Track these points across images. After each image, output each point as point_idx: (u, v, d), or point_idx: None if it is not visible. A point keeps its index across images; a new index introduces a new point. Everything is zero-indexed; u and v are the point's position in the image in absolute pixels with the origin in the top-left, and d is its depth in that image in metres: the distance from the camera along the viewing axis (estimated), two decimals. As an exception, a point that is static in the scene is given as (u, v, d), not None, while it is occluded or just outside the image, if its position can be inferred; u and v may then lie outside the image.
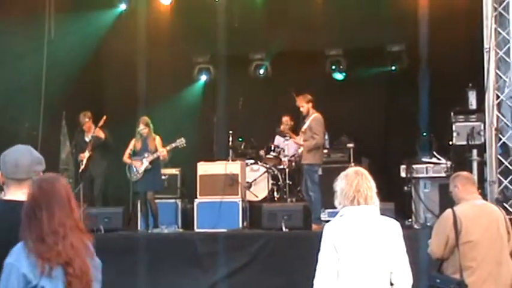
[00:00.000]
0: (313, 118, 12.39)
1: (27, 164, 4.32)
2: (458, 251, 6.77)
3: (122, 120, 14.06)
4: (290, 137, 13.84)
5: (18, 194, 4.29)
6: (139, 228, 13.31)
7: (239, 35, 15.45)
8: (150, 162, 12.85)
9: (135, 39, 15.37)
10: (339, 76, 16.30)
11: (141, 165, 12.86)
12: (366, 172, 5.35)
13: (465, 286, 6.69)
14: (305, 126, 12.46)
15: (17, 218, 4.06)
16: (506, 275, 6.83)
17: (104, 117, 13.69)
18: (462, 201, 7.10)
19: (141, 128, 12.89)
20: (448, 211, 6.97)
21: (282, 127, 14.45)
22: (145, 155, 12.86)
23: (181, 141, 12.96)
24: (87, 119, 13.87)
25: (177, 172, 14.63)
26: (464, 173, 7.74)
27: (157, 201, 13.04)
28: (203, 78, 16.90)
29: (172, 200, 14.05)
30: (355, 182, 5.23)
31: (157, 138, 12.98)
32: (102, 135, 13.71)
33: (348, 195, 5.22)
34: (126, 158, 13.03)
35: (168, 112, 14.98)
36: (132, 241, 11.73)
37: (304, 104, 12.48)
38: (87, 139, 13.85)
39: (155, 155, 12.82)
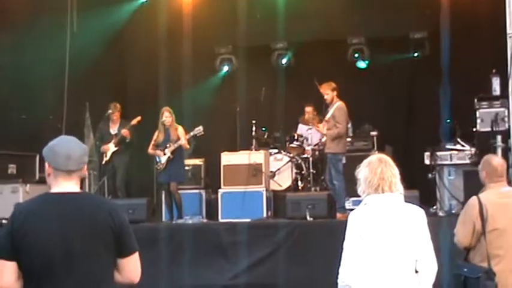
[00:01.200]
0: (337, 107, 12.37)
1: (78, 155, 4.29)
2: (485, 239, 6.67)
3: (145, 111, 14.09)
4: (313, 126, 13.83)
5: (69, 185, 4.28)
6: (163, 219, 13.37)
7: (261, 25, 15.47)
8: (172, 152, 12.87)
9: (156, 31, 15.44)
10: (361, 64, 16.25)
11: (163, 156, 12.90)
12: (389, 159, 5.32)
13: (493, 274, 6.60)
14: (328, 115, 12.44)
15: (74, 209, 4.17)
16: None
17: (139, 118, 13.67)
18: (488, 187, 7.02)
19: (164, 118, 12.92)
20: (473, 199, 6.87)
21: (306, 116, 14.43)
22: (167, 145, 12.90)
23: (199, 130, 12.99)
24: (116, 111, 13.87)
25: (201, 162, 14.67)
26: (492, 158, 7.65)
27: (181, 191, 13.08)
28: (225, 68, 16.90)
29: (197, 191, 14.10)
30: (379, 169, 5.21)
31: (180, 128, 13.01)
32: (128, 135, 13.66)
33: (373, 183, 5.20)
34: (150, 149, 13.08)
35: (191, 103, 15.01)
36: (156, 232, 11.77)
37: (329, 92, 12.45)
38: (112, 131, 13.86)
39: (176, 145, 12.85)
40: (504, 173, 7.02)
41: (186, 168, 13.74)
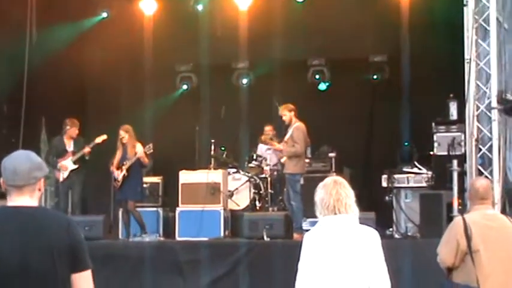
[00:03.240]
0: (296, 127, 12.44)
1: (26, 171, 4.24)
2: (472, 259, 6.67)
3: (103, 127, 14.00)
4: (271, 146, 13.86)
5: (22, 200, 4.24)
6: (120, 237, 13.29)
7: (222, 44, 15.48)
8: (128, 170, 12.82)
9: (117, 47, 15.37)
10: (322, 86, 16.34)
11: (119, 173, 12.85)
12: (344, 181, 5.36)
13: None
14: (287, 136, 12.51)
15: (30, 223, 4.15)
16: None
17: (104, 137, 13.43)
18: (472, 209, 7.02)
19: (121, 135, 12.90)
20: (459, 218, 6.88)
21: (263, 136, 14.49)
22: (124, 162, 12.86)
23: (149, 147, 12.96)
24: (74, 127, 13.66)
25: (159, 180, 14.63)
26: (476, 180, 7.70)
27: (138, 209, 13.02)
28: (185, 87, 16.88)
29: (154, 209, 14.04)
30: (334, 191, 5.24)
31: (138, 145, 12.96)
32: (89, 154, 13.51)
33: (328, 205, 5.23)
34: (111, 166, 13.02)
35: (150, 120, 14.95)
36: (113, 249, 11.71)
37: (286, 113, 12.53)
38: (68, 148, 13.67)
39: (130, 162, 12.80)
40: (488, 195, 6.96)
41: (144, 185, 13.68)
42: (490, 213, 6.98)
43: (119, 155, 12.96)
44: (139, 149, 12.90)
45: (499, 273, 6.69)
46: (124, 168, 12.82)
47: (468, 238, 6.69)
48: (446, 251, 6.85)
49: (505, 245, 6.78)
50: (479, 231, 6.73)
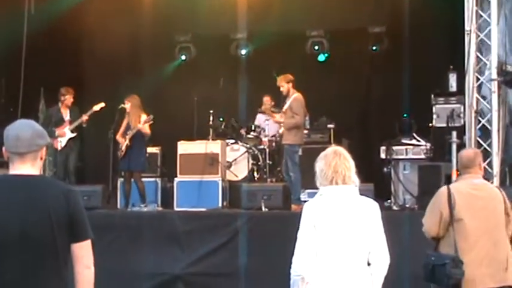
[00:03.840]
0: (294, 98, 12.40)
1: (28, 138, 4.27)
2: (453, 229, 6.69)
3: (102, 97, 13.96)
4: (270, 117, 13.84)
5: (24, 168, 4.27)
6: (118, 206, 13.32)
7: (220, 15, 15.41)
8: (130, 140, 12.85)
9: (116, 17, 15.29)
10: (321, 57, 16.31)
11: (123, 143, 12.88)
12: (344, 152, 5.36)
13: (460, 262, 6.59)
14: (286, 107, 12.47)
15: (31, 191, 4.17)
16: (503, 257, 6.68)
17: (102, 105, 13.39)
18: (460, 178, 7.01)
19: (125, 105, 12.93)
20: (443, 187, 6.86)
21: (264, 107, 14.45)
22: (128, 132, 12.89)
23: (149, 118, 12.93)
24: (70, 96, 13.65)
25: (157, 151, 14.62)
26: (464, 150, 7.70)
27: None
28: (184, 57, 16.83)
29: (152, 179, 14.03)
30: (334, 162, 5.24)
31: (143, 116, 12.96)
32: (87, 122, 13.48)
33: (327, 176, 5.23)
34: (117, 135, 13.06)
35: (149, 90, 14.89)
36: (111, 219, 11.72)
37: (284, 84, 12.48)
38: (65, 116, 13.64)
39: (132, 132, 12.82)
40: (473, 164, 6.91)
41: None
42: (477, 183, 6.91)
43: (124, 124, 13.00)
44: (142, 119, 12.91)
45: (485, 243, 6.67)
46: (127, 138, 12.85)
47: (451, 207, 6.68)
48: (430, 221, 6.85)
49: (491, 215, 6.74)
50: (463, 201, 6.70)
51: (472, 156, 7.05)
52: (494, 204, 6.78)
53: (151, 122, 12.93)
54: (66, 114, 13.61)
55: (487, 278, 6.65)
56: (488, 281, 6.66)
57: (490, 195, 6.85)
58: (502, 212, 6.78)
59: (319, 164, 5.31)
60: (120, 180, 13.68)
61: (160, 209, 13.30)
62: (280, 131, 13.14)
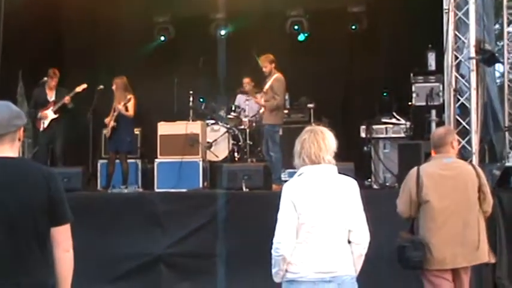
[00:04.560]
0: (275, 78, 12.41)
1: (6, 118, 4.25)
2: (422, 210, 6.74)
3: (81, 79, 13.89)
4: (252, 98, 13.84)
5: (1, 150, 4.24)
6: (98, 188, 13.31)
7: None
8: (115, 121, 12.86)
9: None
10: (301, 37, 16.29)
11: (109, 123, 12.92)
12: (326, 130, 5.36)
13: (420, 244, 6.65)
14: (266, 87, 12.48)
15: (10, 174, 4.17)
16: (474, 236, 6.72)
17: (84, 86, 13.36)
18: (432, 158, 7.03)
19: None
20: (414, 168, 6.89)
21: (246, 88, 14.44)
22: (113, 114, 12.93)
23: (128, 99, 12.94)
24: (55, 77, 13.56)
25: (137, 132, 14.60)
26: (440, 128, 7.70)
27: (117, 161, 13.05)
28: (163, 38, 16.76)
29: (133, 160, 14.01)
30: (315, 140, 5.24)
31: (131, 98, 12.96)
32: (70, 102, 13.40)
33: (307, 154, 5.23)
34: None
35: (128, 72, 14.82)
36: (92, 201, 11.70)
37: (267, 64, 12.50)
38: (49, 98, 13.56)
39: (115, 114, 12.83)
40: (444, 142, 6.93)
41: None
42: (447, 162, 6.90)
43: (113, 105, 13.01)
44: (130, 103, 12.95)
45: (454, 223, 6.69)
46: (112, 119, 12.87)
47: (419, 188, 6.71)
48: (401, 202, 6.90)
49: (462, 194, 6.75)
50: (431, 182, 6.72)
51: (442, 135, 7.03)
52: (465, 183, 6.78)
53: (130, 102, 12.91)
54: (52, 96, 13.55)
55: (459, 258, 6.70)
56: (461, 260, 6.71)
57: (461, 174, 6.84)
58: (475, 191, 6.79)
59: (299, 143, 5.31)
60: (100, 162, 13.65)
61: (140, 190, 13.30)
62: (261, 111, 13.14)
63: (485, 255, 6.84)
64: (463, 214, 6.74)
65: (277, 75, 12.44)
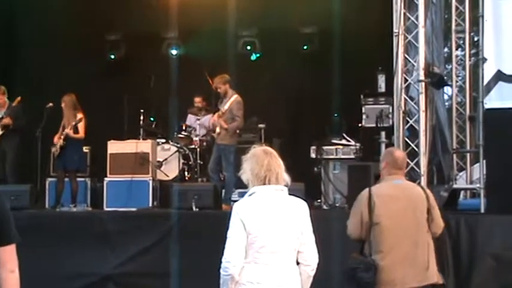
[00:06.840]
0: (235, 100, 12.34)
1: None
2: (373, 232, 6.73)
3: (30, 95, 13.77)
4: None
5: None
6: (46, 206, 13.16)
7: (152, 14, 15.34)
8: (64, 140, 12.74)
9: (47, 13, 15.10)
10: (253, 57, 16.35)
11: (57, 141, 12.78)
12: (273, 151, 5.37)
13: (371, 266, 6.67)
14: (225, 107, 12.39)
15: None
16: (423, 257, 6.75)
17: (18, 99, 13.27)
18: (383, 179, 7.03)
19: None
20: (365, 190, 6.89)
21: (194, 108, 14.39)
22: (63, 132, 12.80)
23: (78, 119, 12.82)
24: (1, 94, 13.40)
25: (87, 150, 14.46)
26: (394, 150, 7.76)
27: (66, 179, 12.91)
28: (113, 56, 16.68)
29: (82, 179, 13.88)
30: (266, 161, 5.24)
31: (79, 115, 12.83)
32: (11, 123, 13.20)
33: (260, 175, 5.22)
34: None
35: (79, 89, 14.71)
36: (39, 219, 11.55)
37: (221, 86, 12.45)
38: (-1, 114, 13.41)
39: (64, 133, 12.73)
40: (403, 166, 7.02)
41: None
42: (398, 183, 6.94)
43: (62, 124, 12.89)
44: (79, 121, 12.81)
45: (404, 245, 6.71)
46: (61, 138, 12.74)
47: (370, 210, 6.75)
48: (352, 224, 6.90)
49: (412, 216, 6.77)
50: (382, 203, 6.74)
51: (405, 159, 7.18)
52: (415, 205, 6.83)
53: (80, 123, 12.80)
54: (1, 113, 13.35)
55: (409, 279, 6.73)
56: (410, 281, 6.75)
57: (411, 196, 6.89)
58: (424, 212, 6.82)
59: (250, 163, 5.30)
60: (48, 180, 13.50)
61: (90, 209, 13.19)
62: (217, 131, 12.85)
63: (433, 276, 6.88)
64: (413, 235, 6.78)
65: (235, 96, 12.39)
